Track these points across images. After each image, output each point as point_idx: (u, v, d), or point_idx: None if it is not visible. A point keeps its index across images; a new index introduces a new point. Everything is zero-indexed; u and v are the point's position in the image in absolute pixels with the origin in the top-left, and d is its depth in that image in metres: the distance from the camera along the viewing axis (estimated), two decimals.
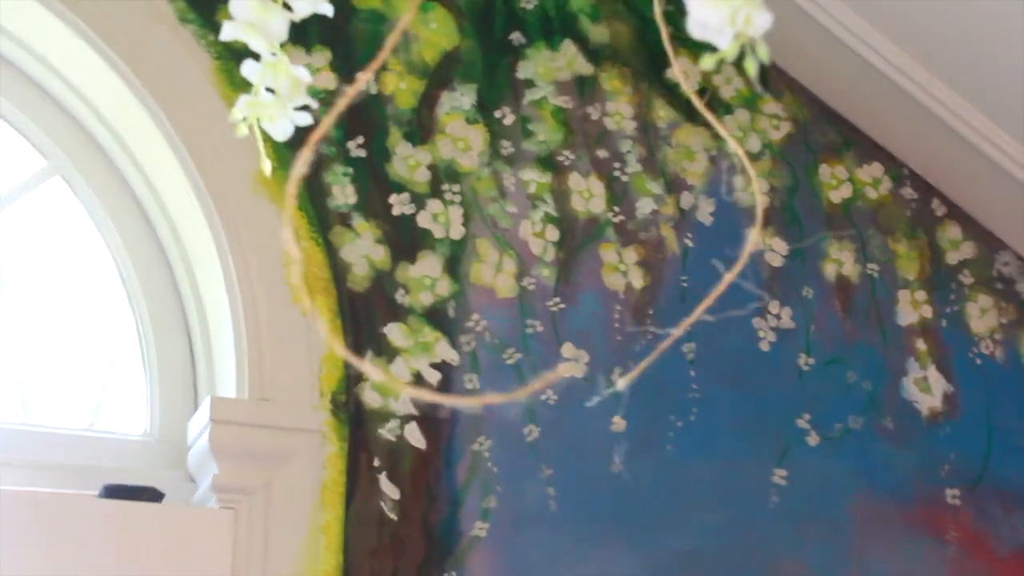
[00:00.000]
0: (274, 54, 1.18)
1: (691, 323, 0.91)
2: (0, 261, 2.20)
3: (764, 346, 2.41)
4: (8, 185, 2.22)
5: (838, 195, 2.56)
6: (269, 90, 1.18)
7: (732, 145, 1.17)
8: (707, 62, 0.90)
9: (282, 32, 1.17)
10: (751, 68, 0.92)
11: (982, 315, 2.60)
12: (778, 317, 2.44)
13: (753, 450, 2.34)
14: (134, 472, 2.11)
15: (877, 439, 2.44)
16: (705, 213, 2.45)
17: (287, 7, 1.19)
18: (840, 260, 2.52)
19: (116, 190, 2.25)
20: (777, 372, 2.40)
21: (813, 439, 2.39)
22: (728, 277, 0.98)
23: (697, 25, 0.92)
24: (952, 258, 2.62)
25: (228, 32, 1.16)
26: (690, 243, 2.42)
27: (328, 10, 1.21)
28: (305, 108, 1.19)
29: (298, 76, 1.17)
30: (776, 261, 2.47)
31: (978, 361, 2.56)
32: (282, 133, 1.17)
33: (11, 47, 2.20)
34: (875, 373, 2.47)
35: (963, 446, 2.50)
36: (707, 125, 2.50)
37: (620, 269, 2.34)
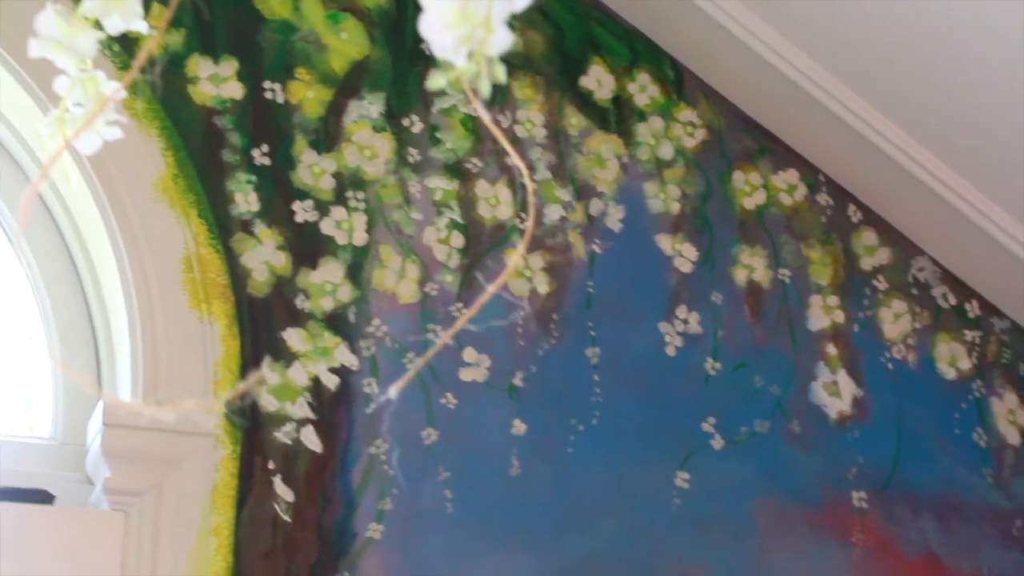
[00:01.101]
0: (84, 70, 1.21)
1: (456, 330, 0.94)
2: None
3: (670, 351, 2.44)
4: None
5: (752, 201, 2.59)
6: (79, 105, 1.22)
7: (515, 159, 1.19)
8: (436, 82, 0.93)
9: (90, 49, 1.20)
10: (485, 87, 0.94)
11: (896, 320, 2.62)
12: (685, 322, 2.46)
13: (656, 454, 2.36)
14: (37, 475, 2.15)
15: (783, 443, 2.46)
16: (615, 220, 2.47)
17: (98, 25, 1.22)
18: (751, 266, 2.54)
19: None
20: (683, 377, 2.43)
21: (717, 443, 2.41)
22: (491, 289, 1.01)
23: (434, 44, 0.95)
24: (867, 264, 2.64)
25: (35, 49, 1.19)
26: (598, 249, 2.44)
27: (143, 28, 1.24)
28: (115, 123, 1.22)
29: (105, 92, 1.20)
30: (686, 267, 2.49)
31: (890, 366, 2.58)
32: (89, 147, 1.20)
33: None
34: (784, 378, 2.50)
35: (872, 450, 2.52)
36: (620, 133, 2.53)
37: (525, 275, 2.37)
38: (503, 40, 0.96)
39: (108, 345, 2.22)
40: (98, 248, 2.19)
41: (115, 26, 1.22)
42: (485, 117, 1.04)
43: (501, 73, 0.96)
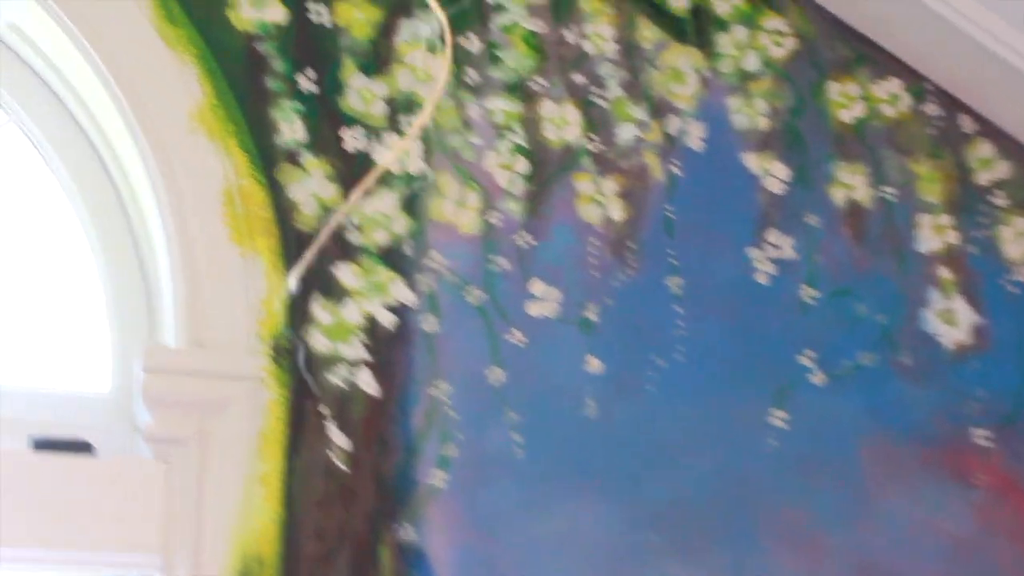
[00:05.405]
0: None
1: None
2: None
3: (761, 278, 2.23)
4: None
5: (849, 114, 2.36)
6: None
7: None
8: None
9: None
10: None
11: (1017, 240, 2.37)
12: (777, 247, 2.25)
13: (747, 391, 2.16)
14: (90, 427, 2.03)
15: (892, 377, 2.24)
16: (695, 138, 2.27)
17: None
18: (851, 184, 2.32)
19: (73, 141, 2.18)
20: (775, 306, 2.22)
21: (817, 378, 2.20)
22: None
23: None
24: (983, 179, 2.39)
25: None
26: (677, 171, 2.24)
27: None
28: None
29: None
30: (776, 187, 2.28)
31: (1012, 289, 2.34)
32: None
33: None
34: (890, 305, 2.27)
35: (994, 382, 2.28)
36: (699, 45, 2.32)
37: (597, 200, 2.18)
38: None
39: (156, 291, 2.09)
40: (137, 182, 2.06)
41: None
42: None
43: None
